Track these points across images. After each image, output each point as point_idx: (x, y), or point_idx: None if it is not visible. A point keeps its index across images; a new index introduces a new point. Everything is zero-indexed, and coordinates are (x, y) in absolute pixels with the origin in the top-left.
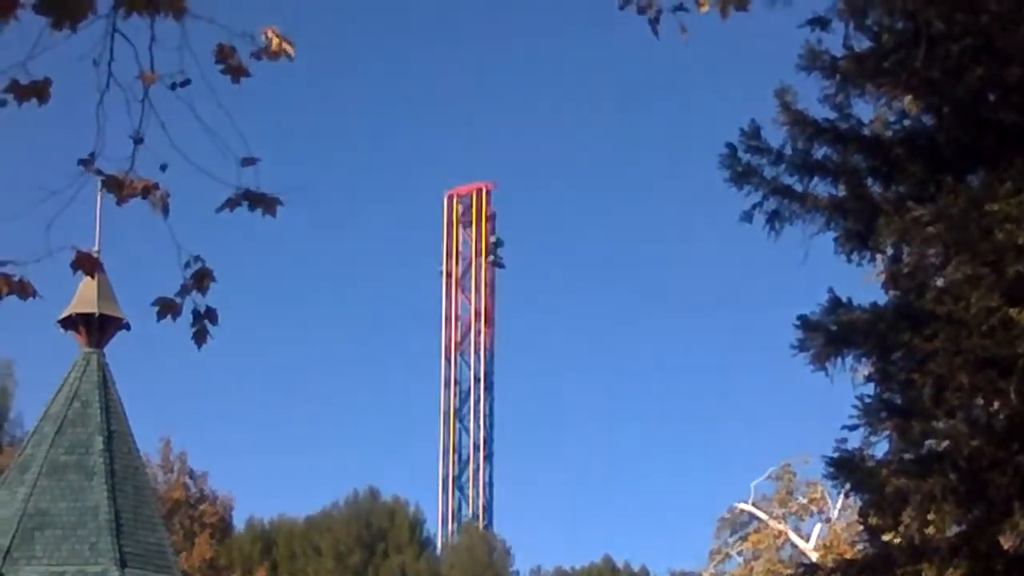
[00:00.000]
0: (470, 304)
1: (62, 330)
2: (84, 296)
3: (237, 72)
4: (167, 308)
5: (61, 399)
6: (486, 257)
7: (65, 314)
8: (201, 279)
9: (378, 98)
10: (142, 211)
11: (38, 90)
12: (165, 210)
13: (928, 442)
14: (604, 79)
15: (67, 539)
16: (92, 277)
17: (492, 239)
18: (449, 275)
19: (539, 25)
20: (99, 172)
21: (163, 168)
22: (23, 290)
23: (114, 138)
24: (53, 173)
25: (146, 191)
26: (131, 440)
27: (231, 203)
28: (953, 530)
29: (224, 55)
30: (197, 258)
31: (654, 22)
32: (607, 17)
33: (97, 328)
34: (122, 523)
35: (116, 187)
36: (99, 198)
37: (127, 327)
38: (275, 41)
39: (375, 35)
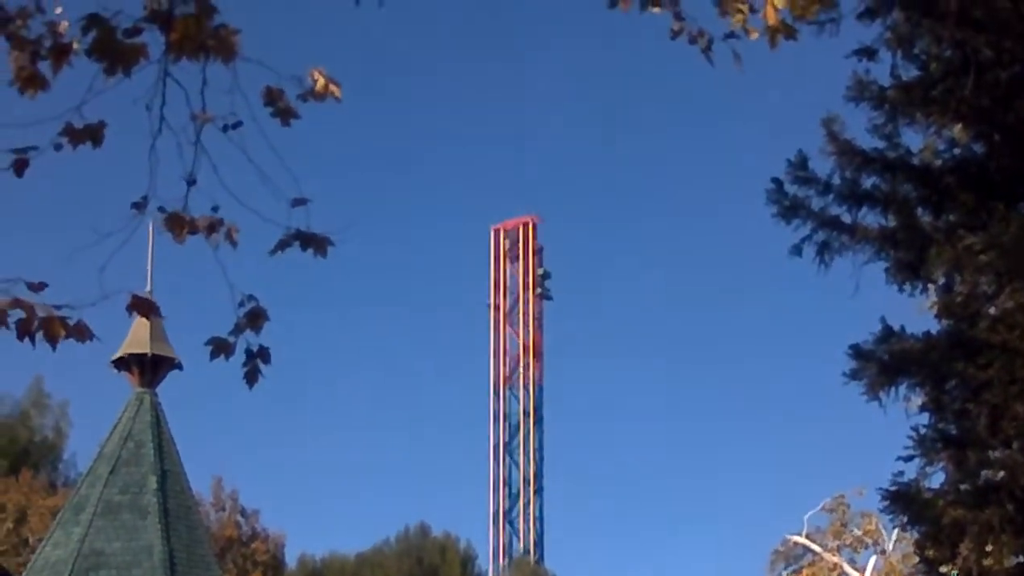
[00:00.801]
0: (518, 338)
1: (115, 370)
2: (137, 337)
3: (286, 114)
4: (220, 348)
5: (115, 439)
6: (533, 291)
7: (118, 355)
8: (255, 318)
9: (423, 134)
10: (193, 252)
11: (92, 133)
12: (234, 243)
13: (984, 472)
14: (651, 109)
15: None
16: (148, 320)
17: (539, 271)
18: (497, 309)
19: (584, 58)
20: (161, 209)
21: (215, 209)
22: (80, 333)
23: (166, 181)
24: (105, 216)
25: (211, 228)
26: (184, 479)
27: (283, 244)
28: (1012, 561)
29: (273, 97)
30: (251, 297)
31: (707, 51)
32: (654, 48)
33: (150, 368)
34: (176, 562)
35: (177, 225)
36: (151, 239)
37: (179, 367)
38: (321, 82)
39: (419, 72)
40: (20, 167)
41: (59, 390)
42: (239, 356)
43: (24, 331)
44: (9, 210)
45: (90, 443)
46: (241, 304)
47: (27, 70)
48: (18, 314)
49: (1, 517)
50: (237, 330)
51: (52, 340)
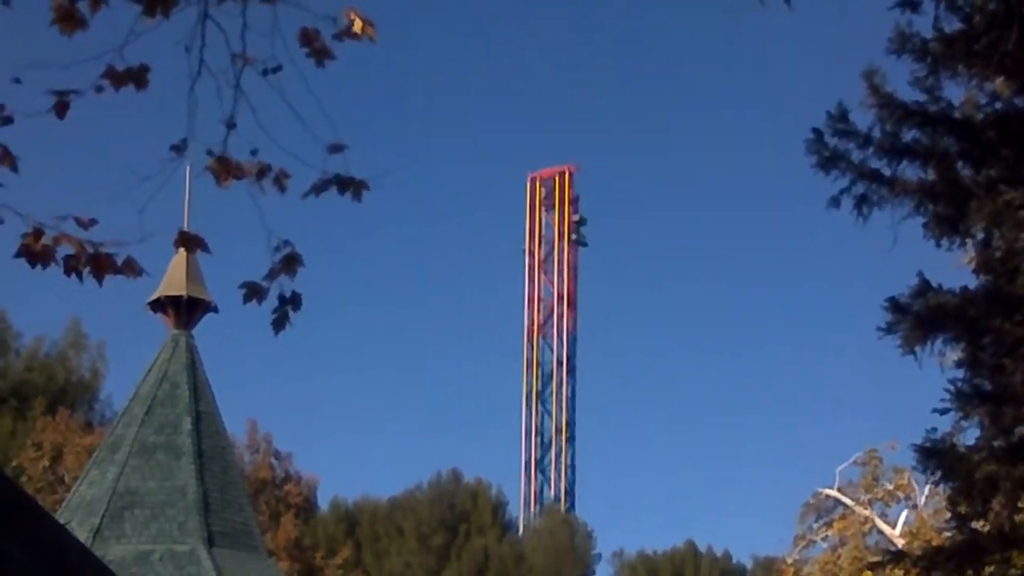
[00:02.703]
0: (553, 287)
1: (151, 312)
2: (173, 279)
3: (321, 55)
4: (254, 292)
5: (150, 380)
6: (568, 241)
7: (154, 297)
8: (290, 263)
9: (461, 82)
10: (229, 196)
11: (136, 76)
12: (282, 188)
13: (1019, 429)
14: (691, 58)
15: (156, 518)
16: (194, 254)
17: (575, 218)
18: (532, 257)
19: (619, 6)
20: (210, 153)
21: (254, 153)
22: (131, 269)
23: (204, 124)
24: (143, 158)
25: (261, 173)
26: (219, 421)
27: (318, 188)
28: None
29: (309, 38)
30: (286, 242)
31: None
32: None
33: (185, 310)
34: (210, 503)
35: (224, 169)
36: (188, 183)
37: (215, 310)
38: (357, 23)
39: (457, 19)
40: (61, 110)
41: (96, 331)
42: (272, 301)
43: (71, 267)
44: (49, 151)
45: (126, 384)
46: (277, 249)
47: (65, 8)
48: (66, 250)
49: (38, 455)
50: (272, 275)
51: (99, 276)
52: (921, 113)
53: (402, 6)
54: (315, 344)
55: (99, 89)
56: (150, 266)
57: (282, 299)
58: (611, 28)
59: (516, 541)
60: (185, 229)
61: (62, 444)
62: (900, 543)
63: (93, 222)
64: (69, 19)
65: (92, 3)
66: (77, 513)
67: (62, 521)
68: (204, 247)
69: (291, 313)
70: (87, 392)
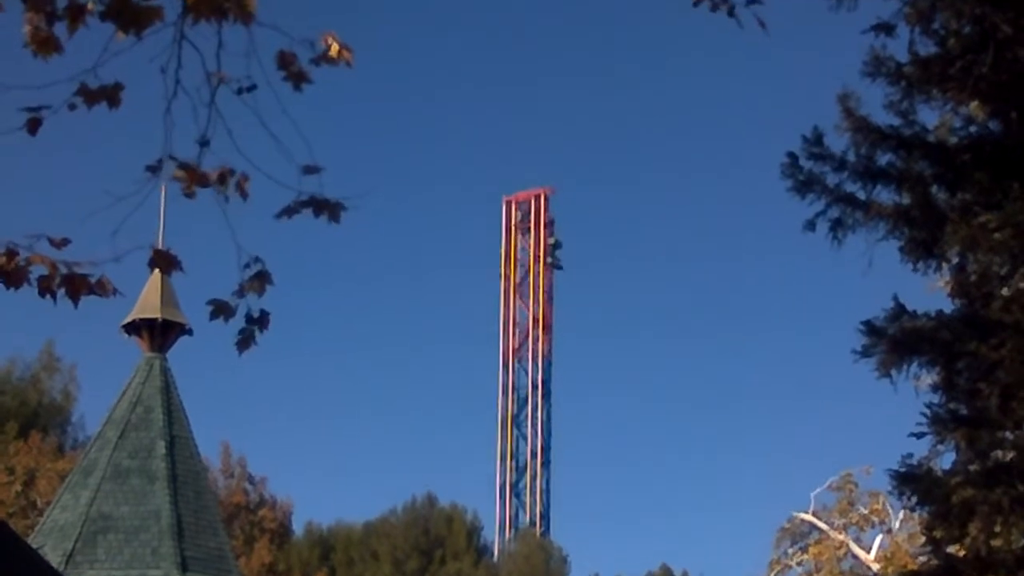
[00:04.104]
0: (528, 311)
1: (125, 335)
2: (147, 301)
3: (299, 78)
4: (221, 310)
5: (124, 404)
6: (544, 264)
7: (128, 319)
8: (259, 281)
9: (436, 104)
10: (205, 218)
11: (109, 94)
12: (244, 195)
13: (995, 453)
14: (666, 82)
15: (129, 543)
16: (169, 274)
17: (551, 241)
18: (507, 280)
19: (595, 30)
20: (172, 157)
21: (232, 172)
22: (103, 288)
23: (181, 145)
24: (118, 178)
25: (222, 178)
26: (193, 445)
27: (291, 210)
28: (1020, 542)
29: (286, 62)
30: (257, 259)
31: (731, 14)
32: (670, 19)
33: (160, 333)
34: (184, 527)
35: (189, 176)
36: (163, 201)
37: (189, 332)
38: (335, 47)
39: (432, 43)
40: (34, 126)
41: (69, 354)
42: (242, 321)
43: (45, 288)
44: (24, 171)
45: (99, 407)
46: (247, 266)
47: (42, 32)
48: (40, 271)
49: (10, 480)
50: (240, 291)
51: (74, 296)
52: (896, 137)
53: (378, 29)
54: (290, 367)
55: (72, 107)
56: (124, 288)
57: (249, 318)
58: (587, 51)
59: (491, 566)
60: (159, 248)
61: (35, 468)
62: (875, 568)
63: (66, 241)
64: (46, 43)
65: (70, 25)
66: (50, 538)
67: (35, 546)
68: (178, 266)
69: (257, 333)
70: (60, 415)
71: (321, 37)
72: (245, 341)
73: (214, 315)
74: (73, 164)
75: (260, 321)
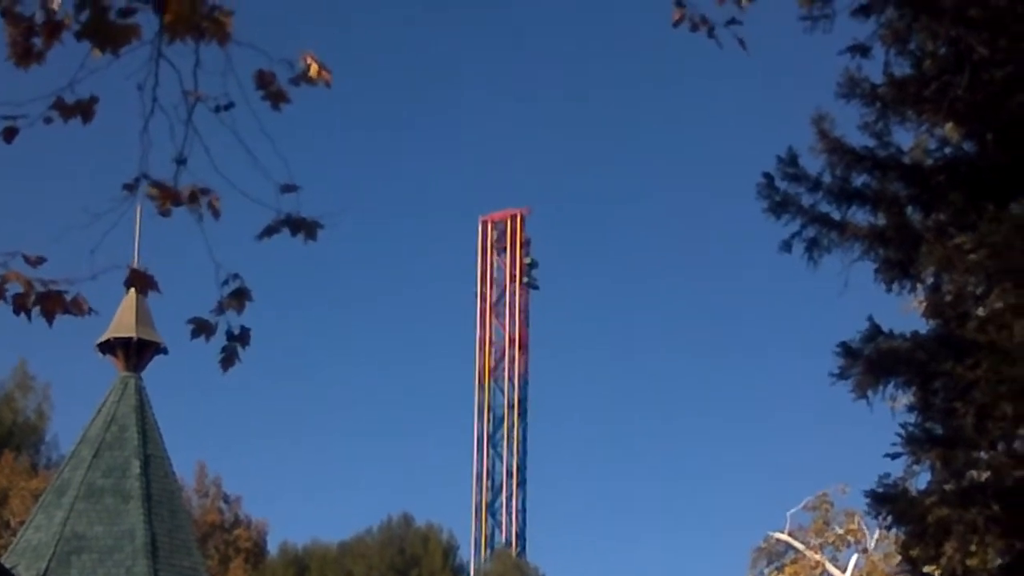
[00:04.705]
0: (504, 330)
1: (100, 354)
2: (122, 321)
3: (277, 98)
4: (202, 328)
5: (99, 423)
6: (520, 283)
7: (104, 338)
8: (238, 297)
9: (412, 124)
10: (180, 237)
11: (83, 108)
12: (216, 214)
13: (970, 472)
14: (641, 102)
15: (103, 563)
16: (145, 295)
17: (527, 261)
18: (483, 300)
19: (572, 48)
20: (144, 176)
21: (202, 191)
22: (78, 307)
23: (158, 163)
24: (94, 195)
25: (193, 197)
26: (167, 464)
27: (271, 229)
28: (996, 562)
29: (265, 81)
30: (235, 276)
31: (711, 35)
32: (645, 39)
33: (135, 352)
34: (158, 547)
35: (162, 195)
36: (139, 220)
37: (164, 352)
38: (313, 67)
39: (407, 62)
40: (9, 135)
41: (43, 372)
42: (220, 339)
43: (20, 306)
44: (2, 186)
45: (73, 426)
46: (225, 283)
47: (21, 44)
48: (15, 288)
49: None
50: (220, 308)
51: (49, 315)
52: (871, 158)
53: (354, 48)
54: (266, 388)
55: (48, 120)
56: (99, 307)
57: (230, 335)
58: (563, 71)
59: None
60: (136, 267)
61: (7, 487)
62: None
63: (41, 260)
64: (26, 55)
65: (46, 40)
66: (23, 558)
67: (8, 566)
68: (154, 286)
69: (240, 350)
70: (33, 434)
71: (300, 57)
72: (228, 359)
73: (195, 333)
74: (50, 183)
75: (241, 338)
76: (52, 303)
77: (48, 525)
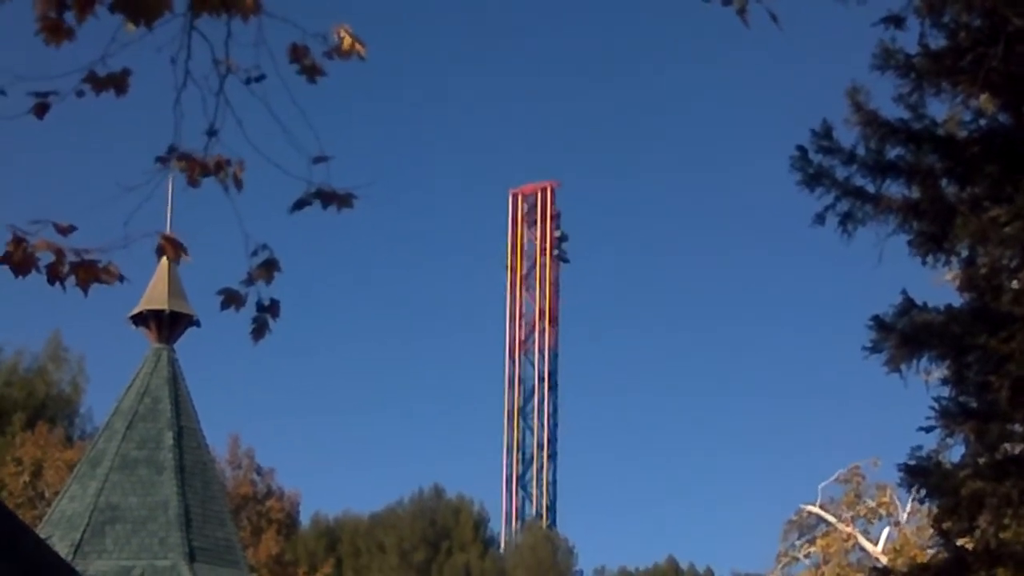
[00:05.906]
0: (534, 303)
1: (133, 326)
2: (154, 293)
3: (312, 72)
4: (232, 299)
5: (132, 395)
6: (550, 256)
7: (136, 311)
8: (267, 268)
9: (443, 97)
10: (212, 209)
11: (116, 81)
12: (239, 184)
13: (1005, 445)
14: (673, 75)
15: (137, 533)
16: (177, 261)
17: (557, 234)
18: (514, 273)
19: (602, 23)
20: (172, 148)
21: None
22: (110, 275)
23: (191, 135)
24: (127, 167)
25: (219, 167)
26: (200, 436)
27: (302, 203)
28: None
29: (298, 55)
30: (264, 246)
31: (742, 13)
32: (678, 11)
33: (167, 324)
34: (191, 518)
35: (191, 165)
36: (171, 192)
37: (197, 324)
38: (347, 40)
39: (440, 36)
40: (40, 111)
41: (77, 344)
42: (250, 311)
43: (55, 275)
44: (35, 160)
45: (107, 398)
46: (254, 253)
47: (51, 19)
48: (47, 258)
49: (18, 470)
50: (249, 280)
51: (84, 284)
52: (905, 130)
53: (385, 21)
54: (297, 359)
55: (80, 93)
56: (132, 279)
57: (260, 306)
58: (593, 45)
59: (498, 557)
60: (167, 234)
61: (42, 459)
62: (883, 560)
63: (72, 228)
64: (56, 30)
65: (79, 14)
66: (58, 528)
67: (43, 536)
68: (185, 252)
69: (270, 321)
70: (67, 406)
71: (333, 30)
72: (259, 330)
73: (225, 304)
74: (83, 156)
75: (271, 309)
76: (87, 272)
77: (82, 496)
